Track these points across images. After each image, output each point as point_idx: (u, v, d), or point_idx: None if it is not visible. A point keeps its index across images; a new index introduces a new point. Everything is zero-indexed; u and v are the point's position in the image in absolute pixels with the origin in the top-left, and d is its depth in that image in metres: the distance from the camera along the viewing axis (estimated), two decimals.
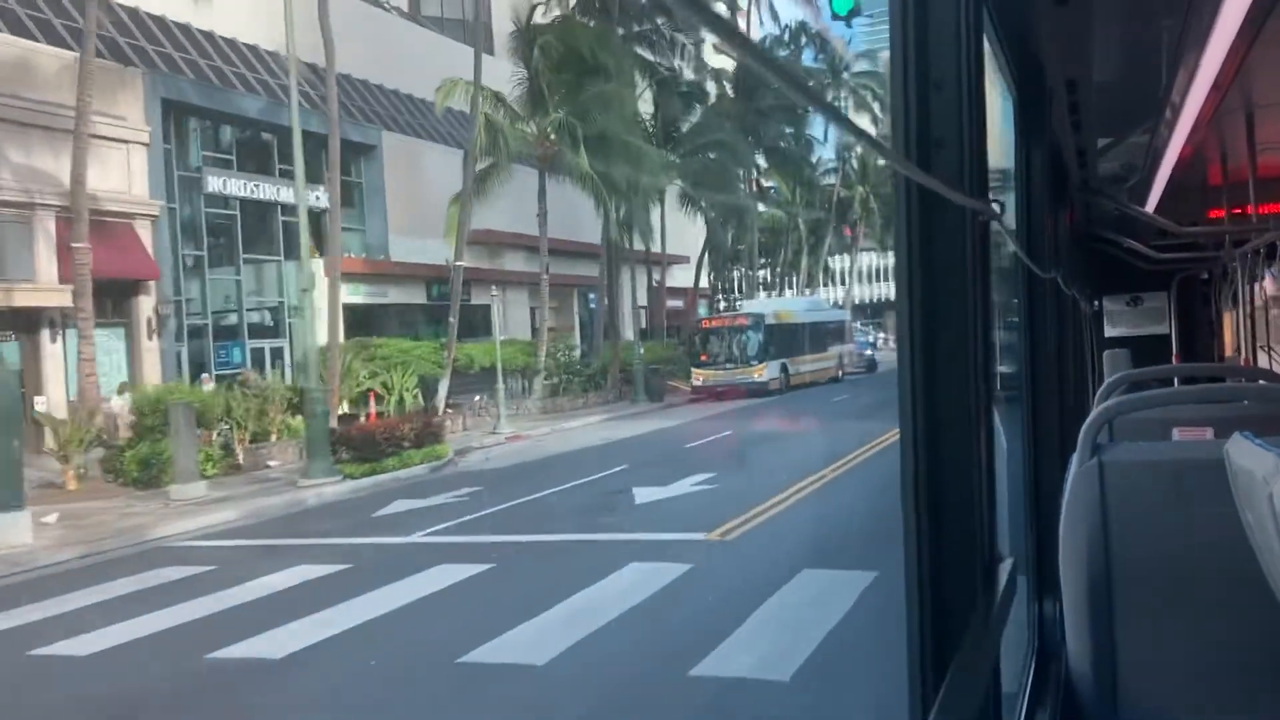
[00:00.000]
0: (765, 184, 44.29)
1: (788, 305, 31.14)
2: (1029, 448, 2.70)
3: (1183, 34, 2.25)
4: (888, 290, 73.23)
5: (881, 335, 53.35)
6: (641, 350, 26.95)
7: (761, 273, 54.90)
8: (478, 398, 21.50)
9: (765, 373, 26.32)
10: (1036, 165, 2.62)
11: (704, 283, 38.89)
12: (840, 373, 30.11)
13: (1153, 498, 1.95)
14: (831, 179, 49.38)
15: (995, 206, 1.39)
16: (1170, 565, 1.95)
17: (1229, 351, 6.45)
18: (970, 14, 1.23)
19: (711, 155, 30.05)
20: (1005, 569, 1.42)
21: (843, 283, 64.66)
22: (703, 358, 26.91)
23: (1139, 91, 2.71)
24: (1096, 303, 6.33)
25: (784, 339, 27.56)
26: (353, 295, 20.56)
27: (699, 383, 26.45)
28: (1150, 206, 3.91)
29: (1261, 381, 3.04)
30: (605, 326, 26.62)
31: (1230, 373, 4.42)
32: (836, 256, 54.06)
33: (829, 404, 22.37)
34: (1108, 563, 1.99)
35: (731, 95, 35.20)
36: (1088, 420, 2.04)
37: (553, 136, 22.83)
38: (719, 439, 16.27)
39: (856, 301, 72.87)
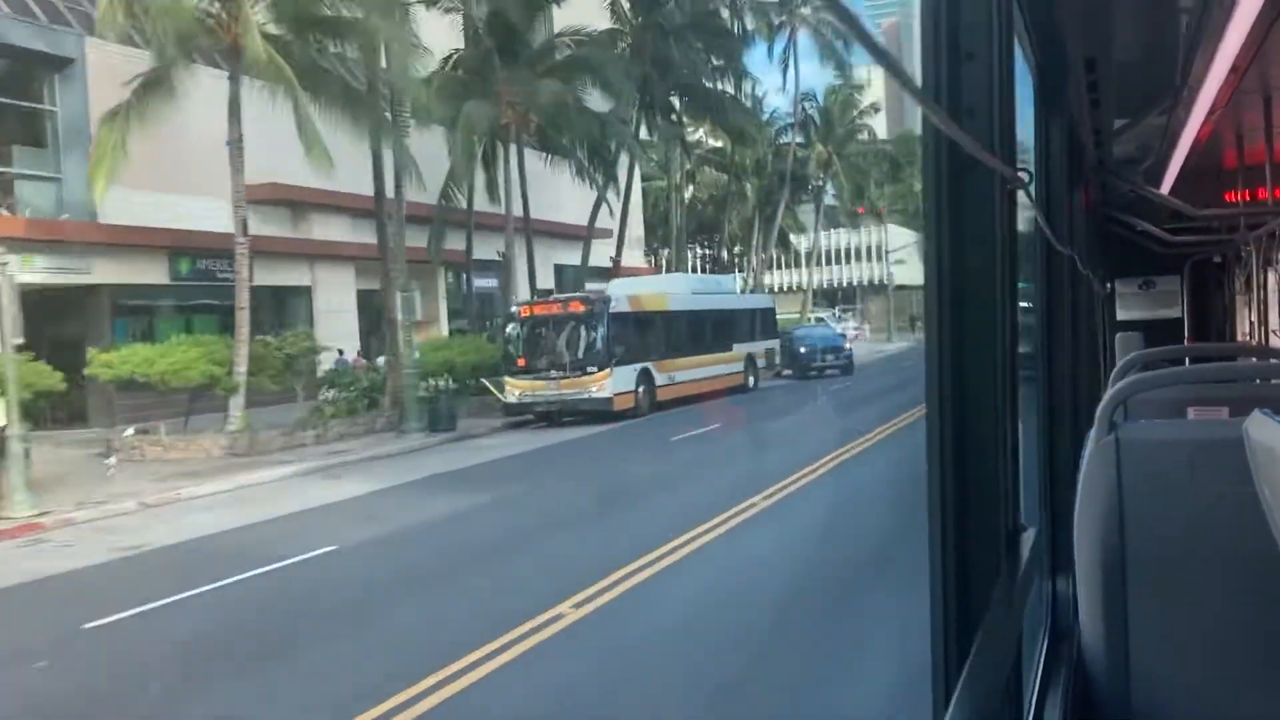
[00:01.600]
0: (691, 135, 42.05)
1: (661, 285, 25.83)
2: (1044, 424, 2.99)
3: (1202, 16, 2.51)
4: (862, 272, 72.76)
5: (853, 325, 53.53)
6: (451, 350, 22.55)
7: (707, 251, 55.51)
8: (128, 431, 16.79)
9: (608, 385, 20.23)
10: (1056, 142, 2.93)
11: (640, 262, 38.39)
12: (751, 380, 25.81)
13: (1169, 475, 2.17)
14: (796, 136, 48.15)
15: (1024, 175, 1.57)
16: (1185, 543, 2.15)
17: (1241, 336, 6.99)
18: None
19: (570, 82, 25.46)
20: (1029, 539, 1.57)
21: (795, 265, 65.41)
22: (520, 362, 20.75)
23: (1157, 72, 3.10)
24: (1109, 285, 6.81)
25: (647, 334, 22.17)
26: (32, 274, 15.49)
27: (513, 399, 20.71)
28: (1165, 189, 4.36)
29: (1274, 361, 3.43)
30: (391, 324, 21.01)
31: (1243, 353, 4.93)
32: (813, 232, 53.97)
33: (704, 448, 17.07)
34: (1122, 540, 2.20)
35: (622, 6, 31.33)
36: (1105, 396, 2.29)
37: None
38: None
39: (826, 285, 73.13)
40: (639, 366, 21.46)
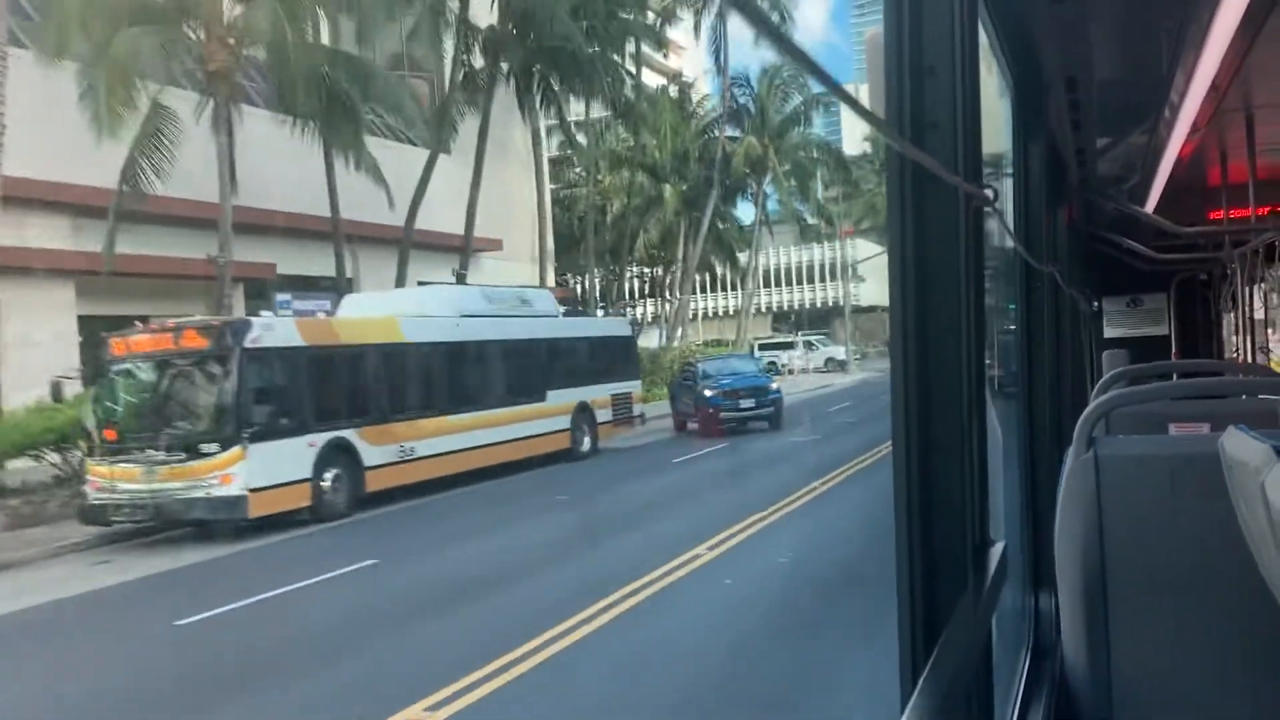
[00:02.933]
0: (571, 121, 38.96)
1: (412, 303, 19.25)
2: (1025, 442, 3.30)
3: (1181, 35, 2.80)
4: (829, 292, 73.18)
5: (794, 356, 52.22)
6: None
7: (649, 270, 54.73)
8: None
9: (239, 474, 13.69)
10: (1034, 160, 3.34)
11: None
12: (586, 442, 21.10)
13: (1148, 492, 2.38)
14: (726, 127, 45.57)
15: (989, 193, 1.70)
16: (1165, 559, 2.37)
17: (1228, 353, 7.57)
18: (965, 2, 1.54)
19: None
20: (996, 552, 1.73)
21: (733, 287, 64.72)
22: (108, 435, 14.39)
23: (1138, 91, 3.43)
24: (1096, 303, 7.33)
25: (346, 383, 16.11)
26: None
27: (96, 496, 14.05)
28: (1150, 207, 4.77)
29: (1258, 378, 3.75)
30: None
31: (1228, 370, 5.39)
32: (754, 246, 52.15)
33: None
34: (1102, 557, 2.41)
35: None
36: (1085, 413, 2.52)
37: None
38: None
39: (787, 307, 73.67)
40: (326, 438, 14.86)
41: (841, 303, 56.74)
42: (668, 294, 46.65)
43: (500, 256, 32.65)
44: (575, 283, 46.15)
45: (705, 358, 31.43)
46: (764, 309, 74.74)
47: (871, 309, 69.74)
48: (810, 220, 54.95)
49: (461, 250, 28.39)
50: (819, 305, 72.77)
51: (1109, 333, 7.91)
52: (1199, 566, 2.33)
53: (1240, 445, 1.37)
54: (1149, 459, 2.45)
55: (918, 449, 1.58)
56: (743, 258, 52.03)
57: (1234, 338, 7.65)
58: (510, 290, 22.72)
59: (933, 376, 1.58)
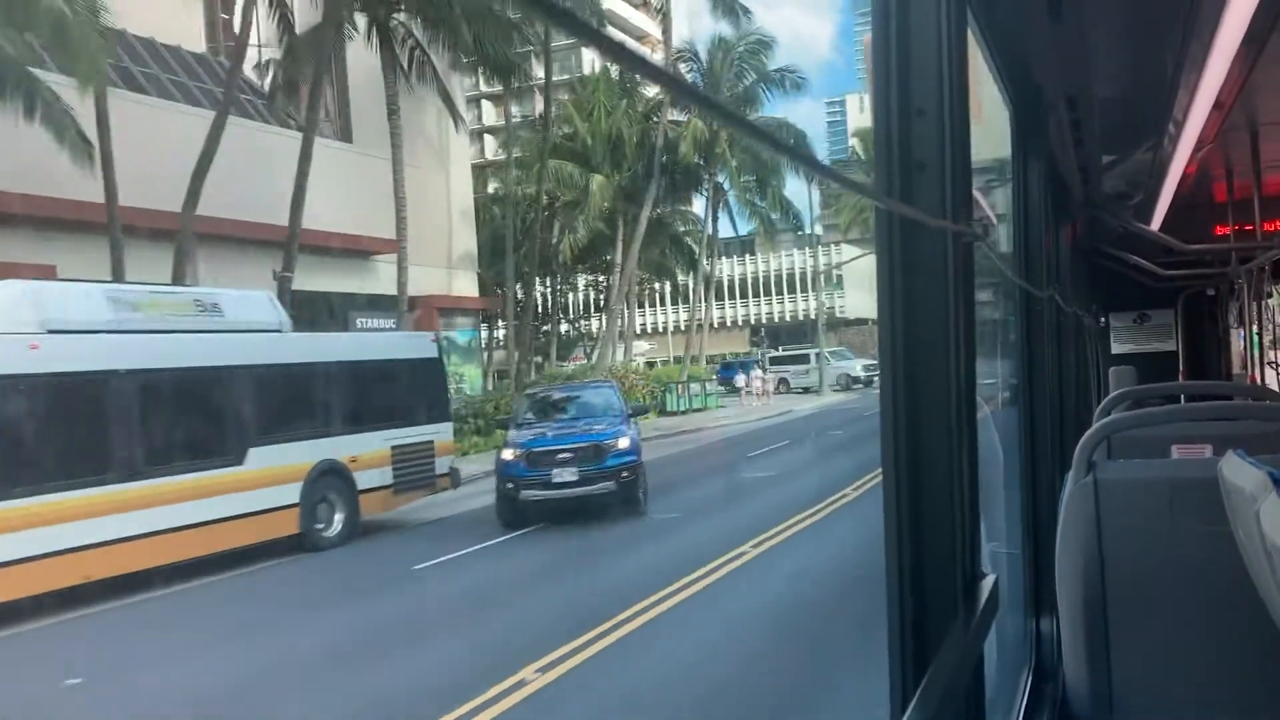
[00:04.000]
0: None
1: None
2: (1026, 464, 3.61)
3: (1183, 53, 3.06)
4: (799, 306, 72.99)
5: (756, 376, 50.21)
6: None
7: (600, 279, 52.94)
8: None
9: None
10: (1035, 180, 3.66)
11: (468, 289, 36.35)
12: (338, 522, 15.96)
13: (1147, 515, 2.61)
14: (669, 108, 42.68)
15: (980, 227, 1.94)
16: (1165, 582, 2.59)
17: (1236, 368, 7.99)
18: (954, 38, 1.71)
19: None
20: (987, 585, 1.90)
21: (675, 301, 63.85)
22: None
23: (1141, 109, 3.75)
24: (1103, 319, 7.71)
25: None
26: None
27: None
28: (1155, 224, 5.11)
29: (1265, 401, 4.06)
30: None
31: (1235, 391, 5.83)
32: (706, 247, 49.78)
33: None
34: (1103, 580, 2.63)
35: None
36: (1083, 439, 2.78)
37: None
38: None
39: (754, 320, 73.52)
40: None
41: (821, 315, 55.88)
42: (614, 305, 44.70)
43: (395, 260, 30.53)
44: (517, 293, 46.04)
45: (550, 385, 26.08)
46: (740, 322, 74.77)
47: (862, 321, 70.10)
48: (776, 222, 52.04)
49: (286, 246, 23.94)
50: (802, 318, 72.19)
51: (1116, 349, 8.55)
52: (1198, 589, 2.54)
53: (1238, 471, 1.49)
54: (1148, 483, 2.68)
55: (908, 485, 1.74)
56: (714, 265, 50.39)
57: (1243, 354, 8.12)
58: (172, 291, 16.21)
59: (923, 414, 1.74)
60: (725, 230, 53.41)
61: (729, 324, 74.98)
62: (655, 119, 42.59)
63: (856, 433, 25.92)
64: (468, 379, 35.64)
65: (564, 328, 52.14)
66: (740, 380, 48.21)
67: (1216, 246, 6.00)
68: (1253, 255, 5.72)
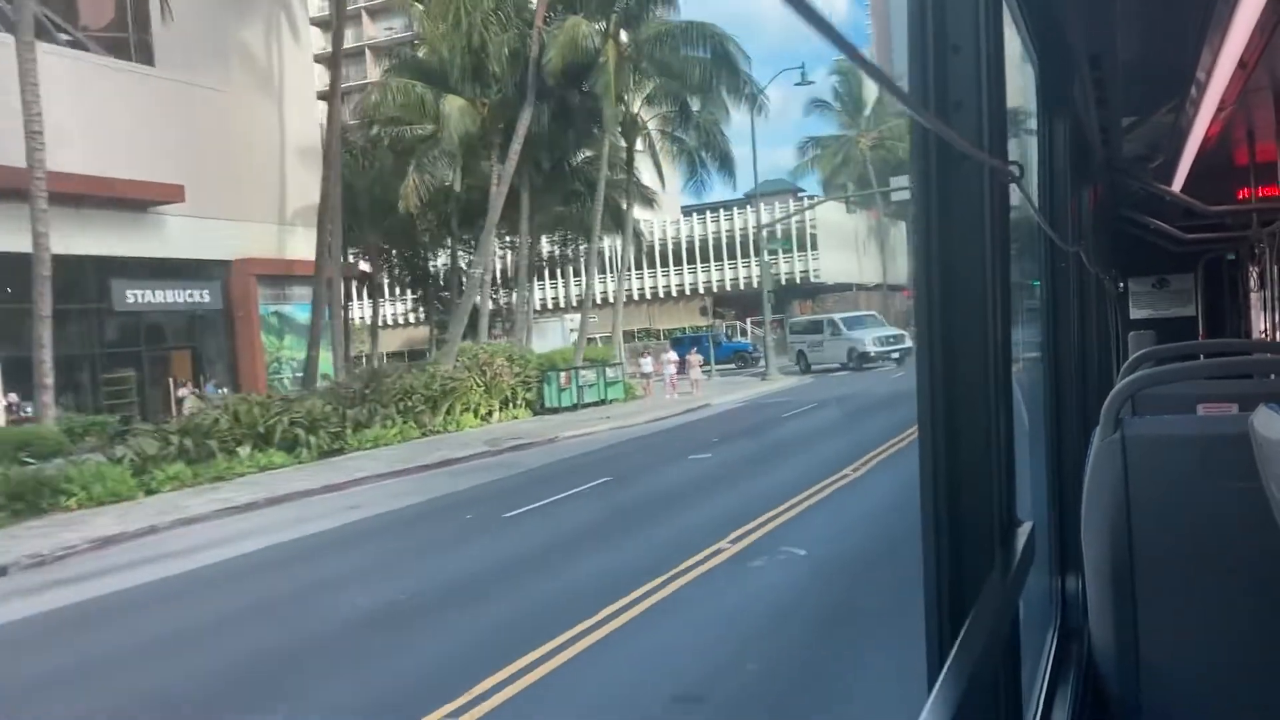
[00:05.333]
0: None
1: None
2: (1051, 422, 4.00)
3: (1207, 12, 3.48)
4: (755, 273, 72.29)
5: (670, 359, 46.03)
6: None
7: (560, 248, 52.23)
8: None
9: None
10: (1059, 139, 4.16)
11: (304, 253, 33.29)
12: None
13: (1175, 472, 2.86)
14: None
15: (1015, 169, 2.04)
16: (1193, 540, 2.84)
17: (1256, 333, 9.53)
18: None
19: None
20: (1024, 532, 2.10)
21: (641, 265, 62.23)
22: None
23: (1164, 69, 4.28)
24: (1122, 284, 8.41)
25: None
26: None
27: None
28: (1177, 186, 5.71)
29: None
30: None
31: (1257, 349, 6.72)
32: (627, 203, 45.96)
33: None
34: (1130, 538, 2.89)
35: None
36: (1111, 394, 3.06)
37: None
38: None
39: (713, 289, 72.52)
40: None
41: (766, 279, 53.16)
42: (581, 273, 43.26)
43: (196, 213, 28.54)
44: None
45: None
46: (701, 290, 74.43)
47: (844, 287, 69.81)
48: (709, 163, 47.31)
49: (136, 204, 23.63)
50: (782, 283, 71.88)
51: (1135, 314, 9.52)
52: (1228, 546, 2.83)
53: (1271, 424, 1.64)
54: (1177, 439, 2.99)
55: (944, 427, 1.93)
56: (657, 223, 47.21)
57: (1262, 318, 8.83)
58: None
59: (959, 353, 1.93)
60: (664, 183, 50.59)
61: (689, 292, 74.55)
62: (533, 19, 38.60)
63: (747, 454, 23.68)
64: (323, 364, 33.41)
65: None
66: (648, 364, 45.74)
67: (1238, 208, 6.62)
68: (1275, 218, 6.33)
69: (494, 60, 38.80)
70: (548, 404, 37.62)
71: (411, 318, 64.36)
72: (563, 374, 38.49)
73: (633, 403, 40.66)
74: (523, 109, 37.84)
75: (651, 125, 46.18)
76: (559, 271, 67.63)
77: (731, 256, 73.79)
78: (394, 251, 48.06)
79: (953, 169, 1.91)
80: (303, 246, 33.46)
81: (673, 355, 45.66)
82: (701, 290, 73.78)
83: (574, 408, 37.95)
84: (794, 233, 70.05)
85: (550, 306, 70.35)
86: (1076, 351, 4.52)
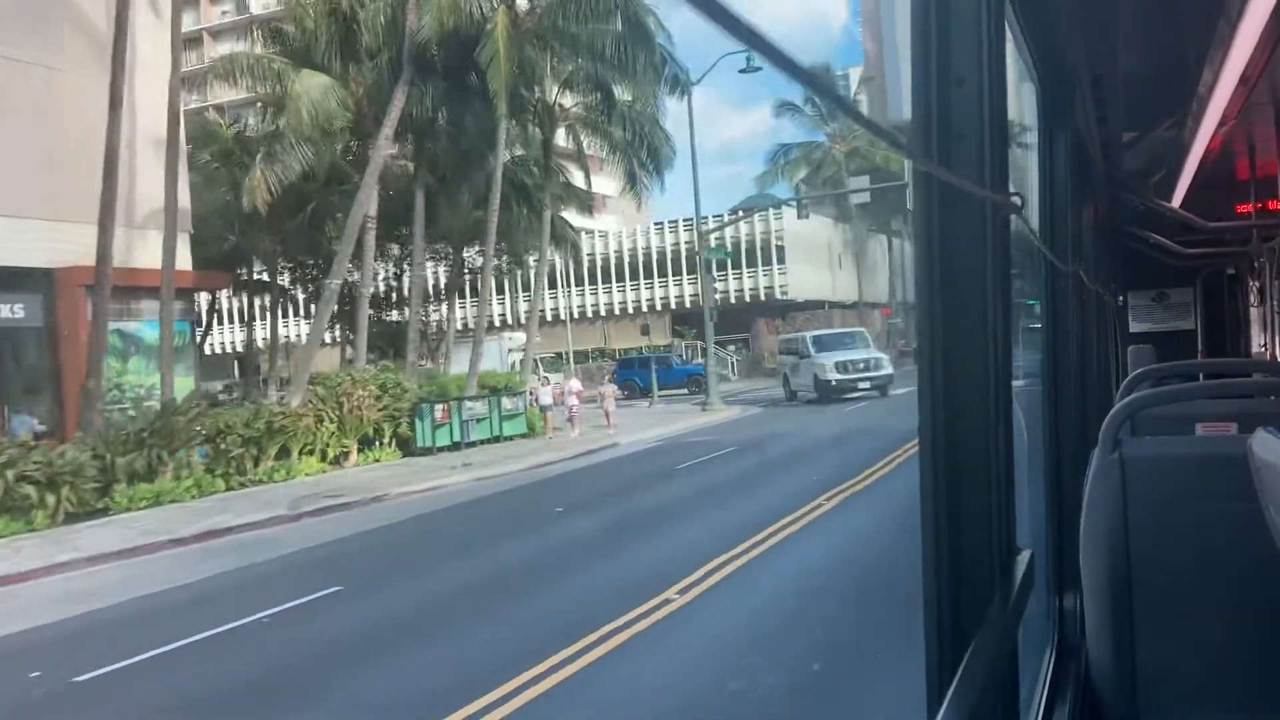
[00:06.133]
0: None
1: None
2: (1050, 441, 4.50)
3: (1209, 28, 3.96)
4: (744, 285, 72.27)
5: (574, 389, 42.82)
6: None
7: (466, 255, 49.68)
8: None
9: None
10: (1060, 157, 4.76)
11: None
12: None
13: (1174, 493, 3.15)
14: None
15: (1016, 199, 2.33)
16: (1191, 561, 3.12)
17: (1255, 348, 9.65)
18: (992, 9, 2.11)
19: None
20: (1023, 561, 2.36)
21: (596, 279, 62.48)
22: None
23: (1165, 85, 4.78)
24: (1121, 298, 9.11)
25: None
26: None
27: None
28: (1176, 201, 6.23)
29: None
30: None
31: (1256, 368, 7.38)
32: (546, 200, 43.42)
33: None
34: (1128, 558, 3.17)
35: None
36: (1110, 414, 3.40)
37: None
38: None
39: (677, 304, 72.32)
40: None
41: (708, 298, 50.68)
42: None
43: (13, 213, 26.79)
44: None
45: None
46: (649, 308, 74.39)
47: (817, 304, 70.07)
48: (645, 161, 46.08)
49: None
50: (749, 299, 72.55)
51: (1134, 327, 10.63)
52: (1225, 567, 3.11)
53: (1270, 447, 1.75)
54: (1175, 460, 3.28)
55: (944, 457, 2.14)
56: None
57: (1261, 333, 9.40)
58: None
59: (960, 385, 2.14)
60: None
61: (647, 309, 74.61)
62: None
63: (583, 536, 20.36)
64: (181, 391, 30.62)
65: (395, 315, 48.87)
66: (546, 394, 41.80)
67: (1238, 224, 7.17)
68: (1275, 234, 6.80)
69: (367, 30, 37.25)
70: (421, 443, 35.53)
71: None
72: (439, 407, 36.29)
73: (529, 441, 38.92)
74: (397, 87, 36.02)
75: (599, 123, 44.19)
76: (505, 286, 67.30)
77: (693, 271, 72.25)
78: (311, 262, 46.64)
79: (954, 205, 2.12)
80: (150, 254, 31.53)
81: (574, 384, 42.86)
82: (659, 307, 73.75)
83: (455, 446, 36.06)
84: (758, 245, 70.18)
85: (498, 324, 70.14)
86: (1075, 369, 5.07)
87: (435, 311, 50.91)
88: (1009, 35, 2.98)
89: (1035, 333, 4.77)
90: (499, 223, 40.10)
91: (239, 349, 65.93)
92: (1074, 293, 5.08)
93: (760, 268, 72.82)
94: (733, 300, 72.15)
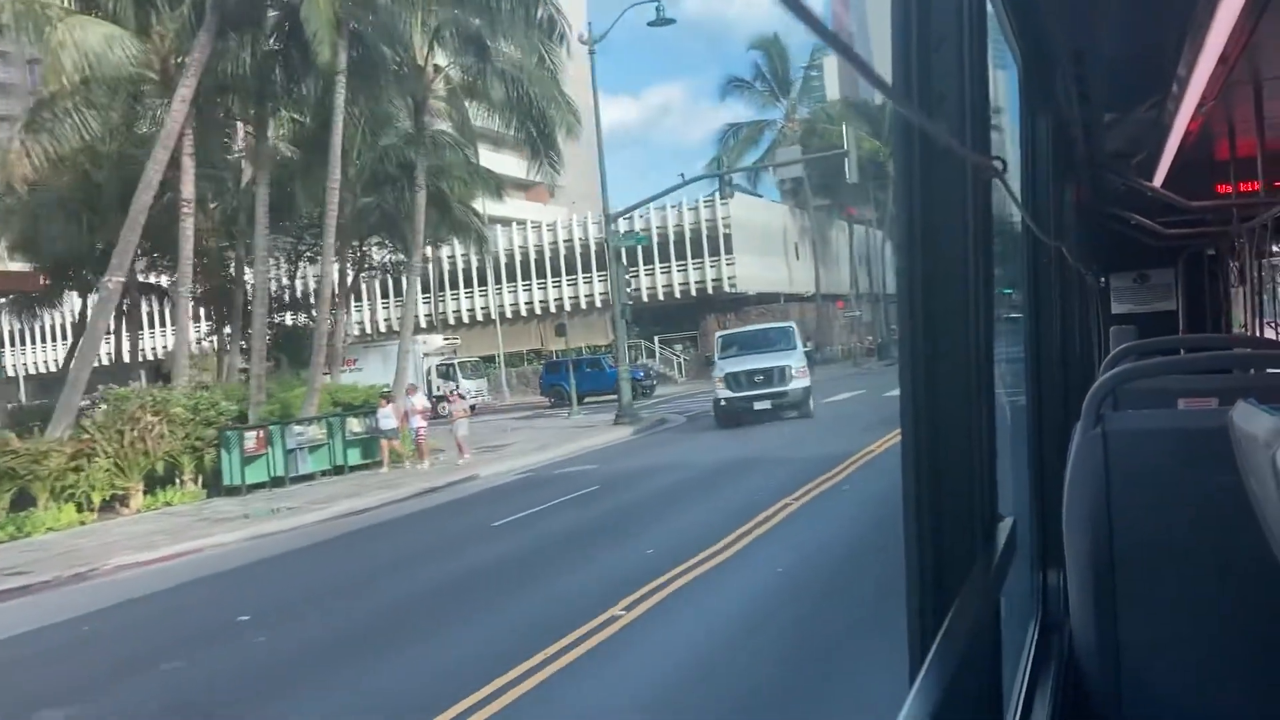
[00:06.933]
0: None
1: None
2: (1033, 417, 5.07)
3: (1189, 7, 4.32)
4: (689, 277, 72.12)
5: (418, 405, 39.65)
6: None
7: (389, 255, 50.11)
8: None
9: None
10: (1041, 135, 5.42)
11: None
12: None
13: (1156, 466, 3.43)
14: None
15: (998, 164, 2.50)
16: (1174, 534, 3.41)
17: (1236, 328, 12.21)
18: None
19: None
20: (1005, 527, 2.62)
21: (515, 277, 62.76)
22: None
23: (1146, 65, 5.37)
24: (1104, 280, 10.53)
25: None
26: None
27: None
28: (1158, 181, 6.81)
29: (1268, 351, 5.49)
30: None
31: (1237, 343, 8.41)
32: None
33: None
34: (1111, 531, 3.44)
35: None
36: (1093, 388, 3.74)
37: None
38: None
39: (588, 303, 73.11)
40: None
41: (619, 295, 47.87)
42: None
43: None
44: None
45: None
46: (599, 303, 74.11)
47: (772, 298, 70.97)
48: (532, 132, 44.53)
49: None
50: (694, 293, 72.35)
51: (1116, 309, 11.64)
52: (1207, 540, 3.36)
53: (1250, 419, 1.88)
54: (1158, 433, 3.56)
55: (926, 423, 2.30)
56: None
57: (1243, 313, 10.02)
58: None
59: (941, 349, 2.28)
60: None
61: (588, 304, 74.39)
62: None
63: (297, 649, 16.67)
64: None
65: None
66: (388, 416, 37.64)
67: (1219, 204, 7.73)
68: (1255, 213, 7.40)
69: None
70: (229, 480, 32.95)
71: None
72: (252, 435, 33.77)
73: (369, 475, 36.15)
74: (197, 37, 33.56)
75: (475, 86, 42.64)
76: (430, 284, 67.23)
77: (648, 262, 71.99)
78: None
79: (935, 164, 2.27)
80: None
81: (418, 402, 38.50)
82: (600, 303, 72.96)
83: (278, 482, 33.88)
84: (704, 234, 70.15)
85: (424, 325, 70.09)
86: (1058, 346, 5.96)
87: (346, 314, 50.53)
88: (990, 13, 3.17)
89: (1019, 310, 5.13)
90: (384, 212, 39.52)
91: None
92: (1057, 271, 5.57)
93: (707, 258, 72.46)
94: (677, 295, 72.22)
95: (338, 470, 35.03)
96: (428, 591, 18.77)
